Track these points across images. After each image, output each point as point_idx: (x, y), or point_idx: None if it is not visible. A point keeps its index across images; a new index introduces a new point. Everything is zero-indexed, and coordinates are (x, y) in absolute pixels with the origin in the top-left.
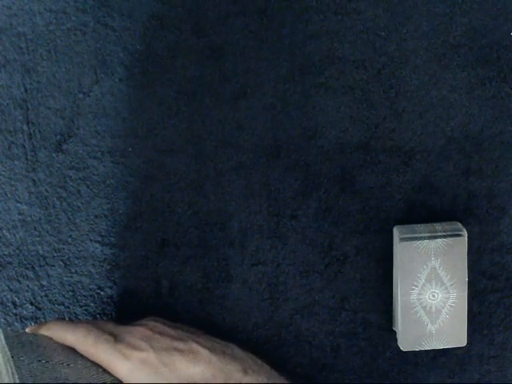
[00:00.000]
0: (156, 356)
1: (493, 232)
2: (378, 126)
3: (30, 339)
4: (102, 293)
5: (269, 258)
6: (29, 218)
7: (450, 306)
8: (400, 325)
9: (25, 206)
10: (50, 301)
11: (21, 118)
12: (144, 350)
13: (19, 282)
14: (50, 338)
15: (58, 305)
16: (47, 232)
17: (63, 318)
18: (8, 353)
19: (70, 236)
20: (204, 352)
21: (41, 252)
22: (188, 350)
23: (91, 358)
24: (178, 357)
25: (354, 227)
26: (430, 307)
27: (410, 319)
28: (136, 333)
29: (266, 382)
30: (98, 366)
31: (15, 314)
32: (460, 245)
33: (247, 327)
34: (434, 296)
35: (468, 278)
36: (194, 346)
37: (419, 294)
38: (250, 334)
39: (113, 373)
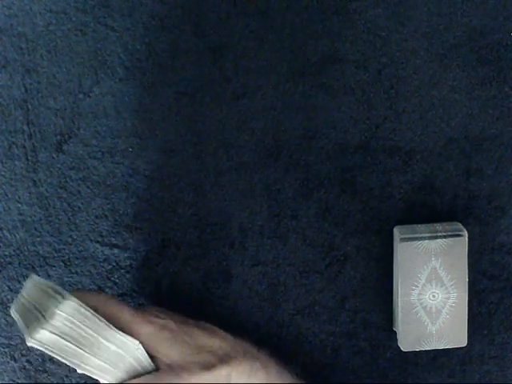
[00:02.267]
0: (176, 324)
1: (493, 232)
2: (378, 127)
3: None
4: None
5: (269, 258)
6: (29, 219)
7: (451, 306)
8: (400, 325)
9: (25, 207)
10: None
11: (21, 118)
12: (164, 319)
13: (19, 282)
14: None
15: None
16: (47, 232)
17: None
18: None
19: (71, 236)
20: (219, 330)
21: (41, 252)
22: (204, 325)
23: (113, 321)
24: (195, 329)
25: (354, 227)
26: (431, 307)
27: (410, 319)
28: (153, 308)
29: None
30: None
31: None
32: (460, 245)
33: (247, 327)
34: (434, 296)
35: (468, 278)
36: (208, 324)
37: (419, 294)
38: (250, 333)
39: (133, 335)
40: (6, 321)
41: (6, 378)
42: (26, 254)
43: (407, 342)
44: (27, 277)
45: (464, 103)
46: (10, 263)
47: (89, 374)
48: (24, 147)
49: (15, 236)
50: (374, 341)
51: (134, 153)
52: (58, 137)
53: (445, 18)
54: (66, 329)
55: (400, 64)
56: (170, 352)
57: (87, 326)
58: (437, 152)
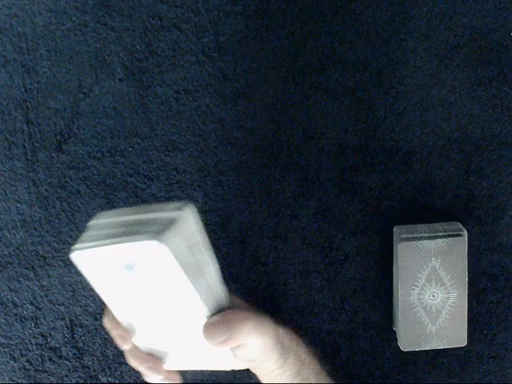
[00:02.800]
0: None
1: (493, 232)
2: (378, 127)
3: None
4: None
5: (269, 258)
6: (29, 218)
7: (450, 306)
8: (400, 325)
9: (25, 206)
10: (49, 301)
11: (21, 118)
12: None
13: (19, 281)
14: None
15: (58, 305)
16: (47, 232)
17: None
18: None
19: (70, 236)
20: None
21: (41, 252)
22: None
23: None
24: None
25: (354, 227)
26: (430, 307)
27: (410, 319)
28: None
29: None
30: None
31: (15, 314)
32: (460, 245)
33: None
34: (434, 296)
35: (468, 278)
36: None
37: (419, 294)
38: None
39: None
40: (6, 321)
41: (6, 378)
42: (26, 253)
43: (407, 342)
44: (27, 276)
45: (464, 103)
46: (9, 263)
47: (192, 299)
48: (24, 147)
49: (15, 236)
50: (374, 341)
51: (133, 153)
52: (58, 137)
53: (445, 18)
54: (188, 234)
55: (400, 64)
56: (234, 301)
57: (200, 240)
58: (437, 152)
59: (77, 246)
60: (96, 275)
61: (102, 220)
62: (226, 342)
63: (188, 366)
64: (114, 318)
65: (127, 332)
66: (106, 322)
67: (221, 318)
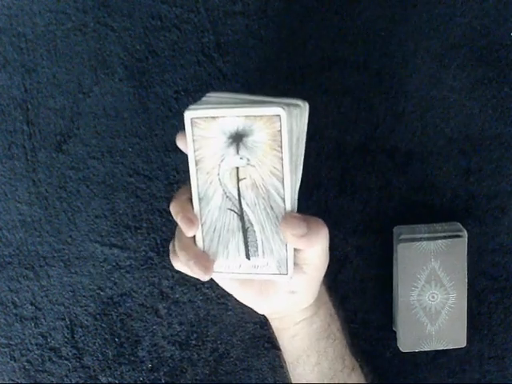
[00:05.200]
0: None
1: (493, 232)
2: (377, 127)
3: None
4: (101, 293)
5: None
6: (29, 218)
7: (450, 306)
8: (400, 326)
9: (25, 206)
10: (50, 301)
11: (21, 118)
12: None
13: (19, 282)
14: None
15: (58, 305)
16: (47, 232)
17: None
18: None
19: (70, 236)
20: None
21: (41, 252)
22: None
23: None
24: None
25: (354, 227)
26: (430, 308)
27: (409, 320)
28: None
29: None
30: None
31: (15, 314)
32: (460, 246)
33: (247, 327)
34: (433, 297)
35: (468, 278)
36: None
37: (419, 294)
38: (250, 333)
39: None
40: (6, 321)
41: (6, 378)
42: (26, 253)
43: (407, 342)
44: (27, 277)
45: (464, 103)
46: (9, 263)
47: (281, 188)
48: (24, 147)
49: (15, 236)
50: (374, 341)
51: (133, 153)
52: (58, 137)
53: (445, 18)
54: (301, 125)
55: (400, 64)
56: None
57: (304, 139)
58: (436, 152)
59: (192, 106)
60: (198, 142)
61: (219, 94)
62: (301, 238)
63: (233, 272)
64: (185, 201)
65: (196, 217)
66: (175, 206)
67: (302, 215)
